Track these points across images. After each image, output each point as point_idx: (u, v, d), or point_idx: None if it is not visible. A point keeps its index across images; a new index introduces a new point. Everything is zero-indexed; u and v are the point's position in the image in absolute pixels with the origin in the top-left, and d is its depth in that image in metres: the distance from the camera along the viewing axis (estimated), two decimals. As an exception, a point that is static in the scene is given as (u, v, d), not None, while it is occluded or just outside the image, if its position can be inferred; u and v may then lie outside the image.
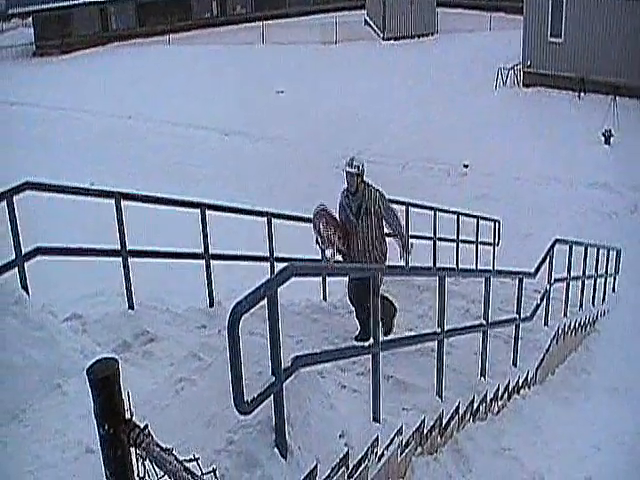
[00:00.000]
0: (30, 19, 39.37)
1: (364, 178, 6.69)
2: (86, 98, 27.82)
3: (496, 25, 34.79)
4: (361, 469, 4.16)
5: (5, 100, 28.01)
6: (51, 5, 37.58)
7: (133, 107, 26.62)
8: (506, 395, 6.87)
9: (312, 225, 6.77)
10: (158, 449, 2.34)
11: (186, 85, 28.89)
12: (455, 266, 10.47)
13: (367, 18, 39.11)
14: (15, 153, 19.44)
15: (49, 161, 18.11)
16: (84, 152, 21.49)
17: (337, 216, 6.80)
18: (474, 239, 11.53)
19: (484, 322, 6.32)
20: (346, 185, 6.71)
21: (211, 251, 6.95)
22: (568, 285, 9.24)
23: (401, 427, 4.72)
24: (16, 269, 5.40)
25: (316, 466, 3.71)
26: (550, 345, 8.21)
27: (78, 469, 3.55)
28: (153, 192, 7.03)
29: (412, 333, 5.90)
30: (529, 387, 7.49)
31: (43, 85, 30.35)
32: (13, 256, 5.38)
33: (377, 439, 4.36)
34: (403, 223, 7.02)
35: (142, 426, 2.36)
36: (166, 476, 2.29)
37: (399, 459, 4.72)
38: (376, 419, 4.54)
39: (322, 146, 22.08)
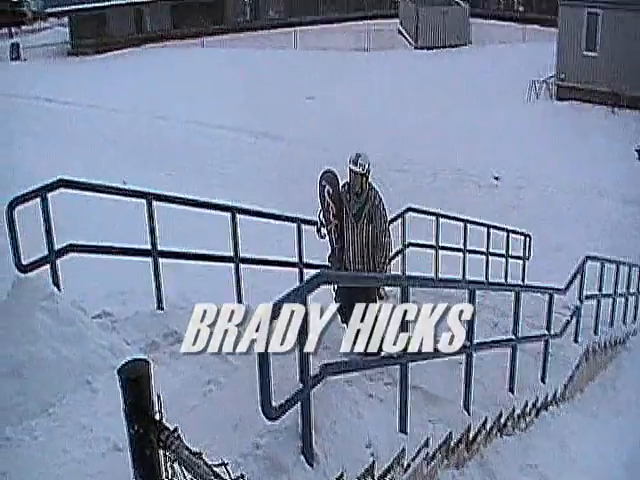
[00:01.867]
0: (66, 19, 40.00)
1: (369, 179, 5.84)
2: (119, 97, 28.12)
3: (530, 37, 34.51)
4: (387, 480, 4.12)
5: (41, 97, 28.43)
6: (87, 5, 38.18)
7: (165, 108, 26.84)
8: (534, 411, 6.77)
9: (319, 188, 5.97)
10: (187, 452, 2.32)
11: (218, 87, 29.04)
12: (485, 279, 10.36)
13: (400, 27, 39.11)
14: (50, 149, 19.65)
15: (82, 158, 18.27)
16: (116, 151, 21.68)
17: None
18: (504, 252, 11.39)
19: (513, 337, 6.23)
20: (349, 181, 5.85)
21: (240, 254, 6.93)
22: (599, 302, 9.09)
23: (428, 439, 4.67)
24: (48, 265, 5.44)
25: (342, 474, 3.68)
26: (580, 362, 8.08)
27: (105, 466, 3.55)
28: (183, 193, 7.04)
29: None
30: (557, 404, 7.37)
31: (78, 84, 30.73)
32: (46, 252, 5.43)
33: (404, 450, 4.31)
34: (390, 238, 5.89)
35: (172, 428, 2.34)
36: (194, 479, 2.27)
37: (425, 471, 4.66)
38: (403, 430, 4.49)
39: (351, 153, 22.02)
